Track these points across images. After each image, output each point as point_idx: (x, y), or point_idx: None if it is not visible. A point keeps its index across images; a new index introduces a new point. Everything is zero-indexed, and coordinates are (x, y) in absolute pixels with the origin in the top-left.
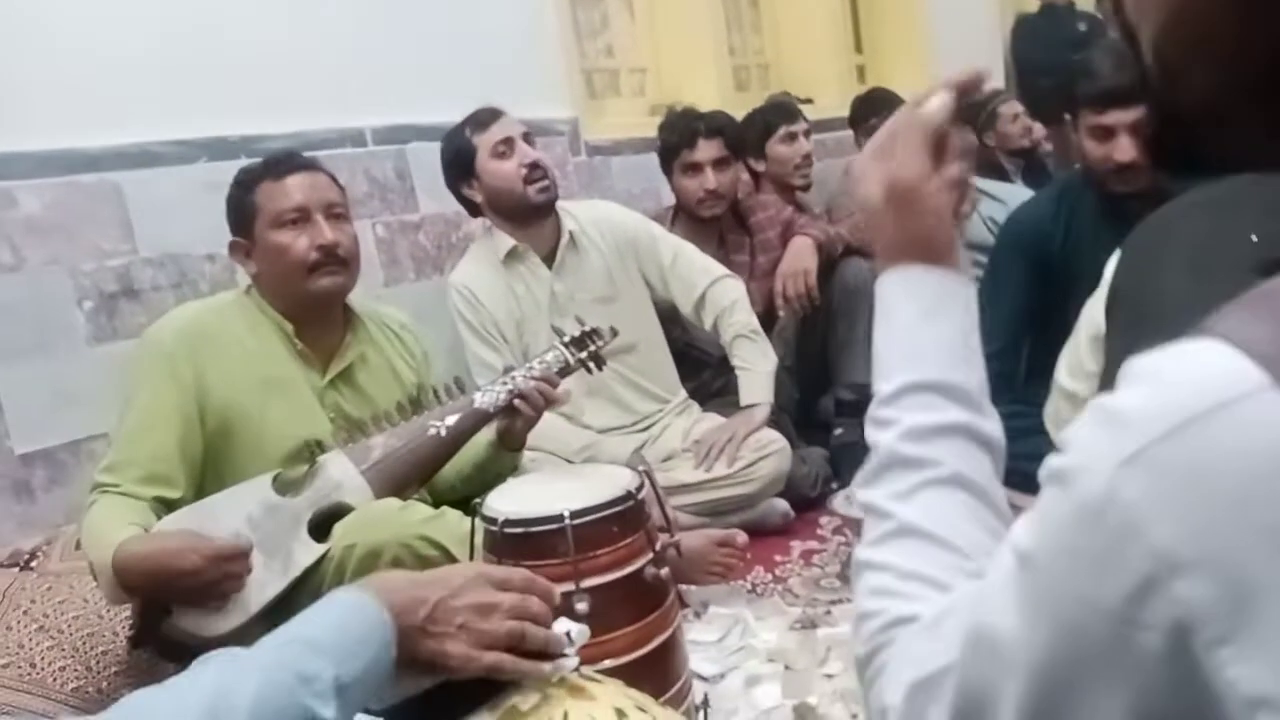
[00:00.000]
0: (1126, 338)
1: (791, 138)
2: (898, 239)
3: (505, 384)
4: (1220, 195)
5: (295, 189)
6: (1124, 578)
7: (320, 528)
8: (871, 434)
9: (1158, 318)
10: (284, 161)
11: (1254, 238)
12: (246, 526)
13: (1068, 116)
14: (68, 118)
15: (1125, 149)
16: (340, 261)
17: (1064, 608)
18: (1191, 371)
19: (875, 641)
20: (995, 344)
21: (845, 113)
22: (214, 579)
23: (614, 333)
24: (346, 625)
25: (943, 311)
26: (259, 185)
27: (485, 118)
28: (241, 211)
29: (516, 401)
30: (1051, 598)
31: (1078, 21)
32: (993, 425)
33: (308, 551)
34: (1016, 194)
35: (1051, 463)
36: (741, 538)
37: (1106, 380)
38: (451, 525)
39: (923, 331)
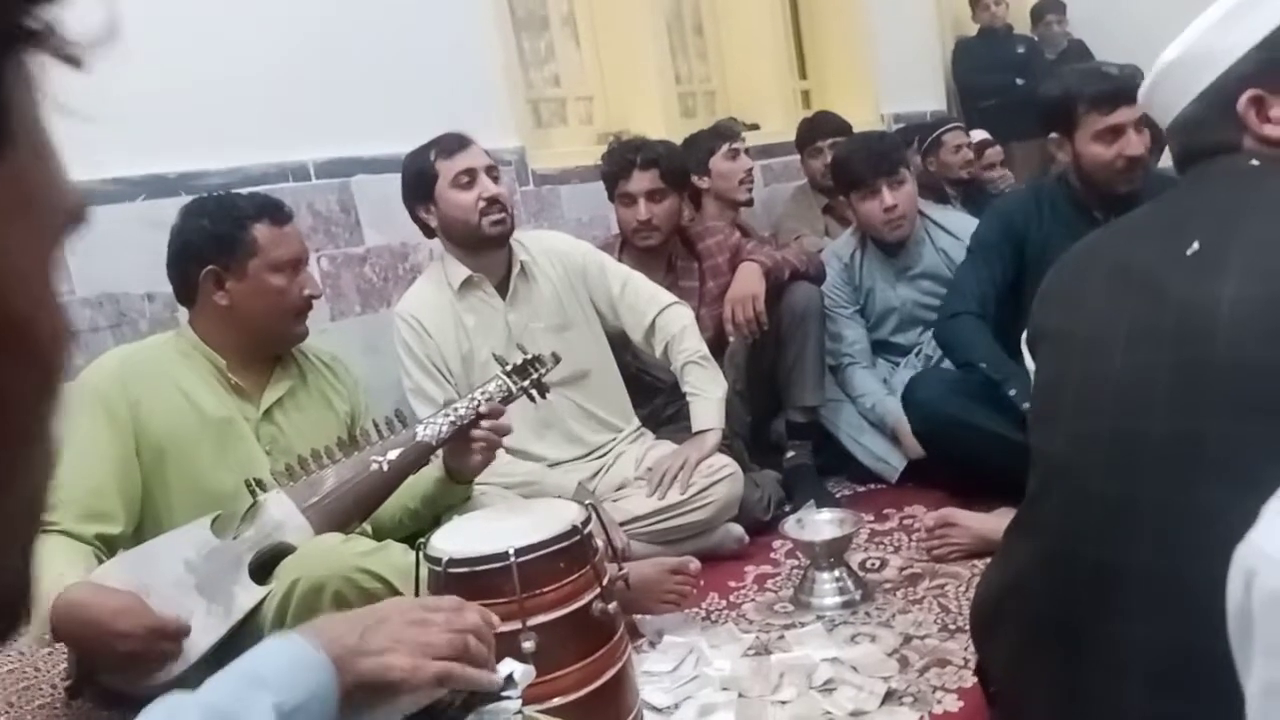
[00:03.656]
0: (1058, 364)
1: (735, 154)
2: None
3: (447, 415)
4: (1126, 223)
5: (294, 238)
6: None
7: (262, 569)
8: None
9: (1084, 338)
10: (280, 208)
11: (1196, 245)
12: (186, 571)
13: (1053, 135)
14: None
15: (1135, 143)
16: (309, 309)
17: None
18: None
19: None
20: (965, 304)
21: (791, 137)
22: (145, 650)
23: (555, 359)
24: (283, 658)
25: None
26: (255, 225)
27: (453, 145)
28: (233, 244)
29: (474, 445)
30: None
31: (1016, 45)
32: None
33: (249, 594)
34: (968, 226)
35: None
36: (694, 564)
37: (1035, 409)
38: (395, 558)
39: None
